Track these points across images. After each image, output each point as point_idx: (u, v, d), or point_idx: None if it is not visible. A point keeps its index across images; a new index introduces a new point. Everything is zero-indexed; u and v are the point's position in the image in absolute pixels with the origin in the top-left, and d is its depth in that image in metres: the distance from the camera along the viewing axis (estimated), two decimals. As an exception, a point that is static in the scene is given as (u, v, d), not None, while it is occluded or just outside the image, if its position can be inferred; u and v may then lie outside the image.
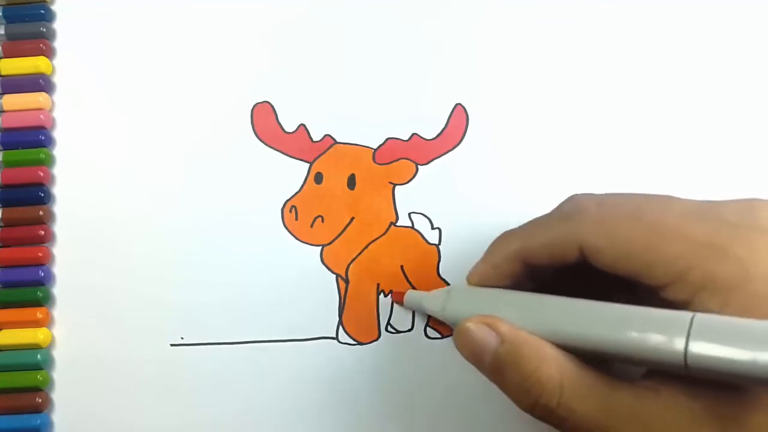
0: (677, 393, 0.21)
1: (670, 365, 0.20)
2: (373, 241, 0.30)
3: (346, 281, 0.30)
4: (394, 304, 0.30)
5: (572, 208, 0.24)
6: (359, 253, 0.30)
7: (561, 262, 0.23)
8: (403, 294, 0.29)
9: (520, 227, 0.25)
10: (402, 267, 0.30)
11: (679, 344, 0.20)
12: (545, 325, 0.23)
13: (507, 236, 0.25)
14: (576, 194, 0.25)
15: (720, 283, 0.20)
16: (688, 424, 0.20)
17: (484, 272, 0.25)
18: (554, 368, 0.22)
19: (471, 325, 0.24)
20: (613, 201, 0.23)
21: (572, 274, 0.24)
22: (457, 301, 0.26)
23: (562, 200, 0.25)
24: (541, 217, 0.25)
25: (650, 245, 0.21)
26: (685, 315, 0.20)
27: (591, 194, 0.24)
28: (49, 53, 0.32)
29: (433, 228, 0.30)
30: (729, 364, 0.19)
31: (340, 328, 0.30)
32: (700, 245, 0.21)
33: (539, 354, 0.22)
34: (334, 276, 0.30)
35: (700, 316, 0.20)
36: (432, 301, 0.27)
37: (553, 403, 0.22)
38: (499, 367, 0.23)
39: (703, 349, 0.19)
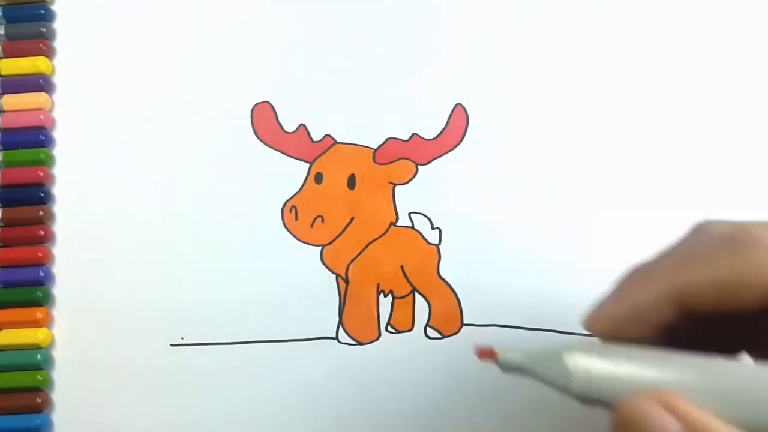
0: None
1: None
2: (373, 241, 0.30)
3: (346, 281, 0.30)
4: (394, 304, 0.30)
5: (741, 234, 0.18)
6: (359, 253, 0.30)
7: (735, 304, 0.18)
8: (493, 353, 0.20)
9: (661, 259, 0.19)
10: (402, 267, 0.30)
11: None
12: (742, 406, 0.17)
13: (648, 270, 0.19)
14: (708, 222, 0.19)
15: None
16: None
17: (620, 316, 0.19)
18: None
19: (643, 407, 0.17)
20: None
21: (748, 329, 0.19)
22: (597, 368, 0.18)
23: (688, 231, 0.20)
24: (684, 245, 0.19)
25: None
26: None
27: (718, 222, 0.19)
28: (49, 53, 0.32)
29: (433, 228, 0.30)
30: None
31: (340, 328, 0.30)
32: None
33: None
34: (334, 276, 0.30)
35: None
36: (547, 368, 0.19)
37: None
38: None
39: None
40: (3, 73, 0.32)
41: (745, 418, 0.17)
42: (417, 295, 0.30)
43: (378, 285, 0.30)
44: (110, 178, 0.31)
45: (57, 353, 0.30)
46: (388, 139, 0.31)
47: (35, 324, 0.30)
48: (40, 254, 0.30)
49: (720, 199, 0.29)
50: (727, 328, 0.18)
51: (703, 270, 0.18)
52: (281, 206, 0.30)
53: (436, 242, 0.30)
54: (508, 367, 0.20)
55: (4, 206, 0.31)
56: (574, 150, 0.30)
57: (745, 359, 0.18)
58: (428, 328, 0.29)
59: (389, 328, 0.30)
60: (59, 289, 0.31)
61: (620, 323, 0.19)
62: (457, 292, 0.29)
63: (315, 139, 0.31)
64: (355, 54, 0.31)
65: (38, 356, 0.30)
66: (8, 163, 0.31)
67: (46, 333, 0.30)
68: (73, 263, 0.31)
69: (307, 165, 0.31)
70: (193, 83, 0.31)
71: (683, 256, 0.19)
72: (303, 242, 0.30)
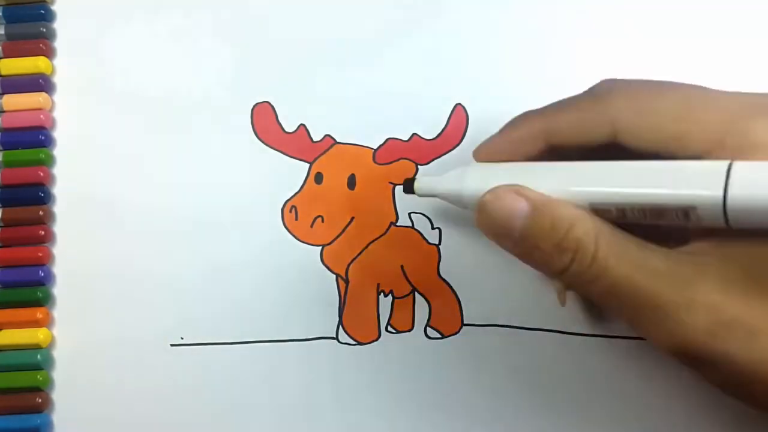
0: (712, 256, 0.21)
1: (708, 214, 0.19)
2: (373, 241, 0.30)
3: (346, 281, 0.30)
4: (394, 304, 0.30)
5: (602, 88, 0.23)
6: (359, 253, 0.30)
7: (589, 142, 0.23)
8: (411, 182, 0.27)
9: (543, 107, 0.25)
10: (402, 267, 0.30)
11: (717, 187, 0.19)
12: (574, 189, 0.22)
13: (528, 115, 0.24)
14: (605, 80, 0.24)
15: (757, 141, 0.20)
16: (723, 283, 0.20)
17: (497, 146, 0.25)
18: (590, 224, 0.22)
19: (499, 192, 0.23)
20: (645, 80, 0.23)
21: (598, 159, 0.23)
22: (476, 177, 0.24)
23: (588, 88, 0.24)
24: (566, 98, 0.24)
25: (684, 115, 0.21)
26: (722, 162, 0.19)
27: (622, 79, 0.24)
28: (49, 53, 0.32)
29: (433, 228, 0.30)
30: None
31: (340, 328, 0.30)
32: (733, 109, 0.21)
33: (573, 214, 0.22)
34: (334, 276, 0.30)
35: (738, 162, 0.19)
36: (447, 182, 0.25)
37: (588, 259, 0.21)
38: (531, 234, 0.22)
39: (743, 196, 0.19)
40: (3, 73, 0.32)
41: (577, 198, 0.22)
42: (417, 295, 0.30)
43: (378, 285, 0.30)
44: (110, 178, 0.31)
45: (57, 353, 0.30)
46: (388, 139, 0.31)
47: (35, 324, 0.30)
48: (40, 254, 0.30)
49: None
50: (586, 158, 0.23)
51: (568, 114, 0.23)
52: (281, 206, 0.30)
53: (436, 242, 0.30)
54: (421, 192, 0.27)
55: (4, 206, 0.31)
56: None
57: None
58: (428, 328, 0.29)
59: (389, 328, 0.30)
60: (59, 289, 0.31)
61: (497, 153, 0.25)
62: (457, 292, 0.30)
63: (315, 139, 0.31)
64: (355, 54, 0.31)
65: (38, 356, 0.30)
66: (8, 163, 0.31)
67: (46, 333, 0.30)
68: (73, 263, 0.31)
69: (307, 165, 0.31)
70: (194, 83, 0.31)
71: (561, 103, 0.24)
72: (303, 242, 0.30)
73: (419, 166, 0.30)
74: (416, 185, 0.27)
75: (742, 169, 0.19)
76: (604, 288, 0.21)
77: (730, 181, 0.19)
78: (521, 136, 0.24)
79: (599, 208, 0.22)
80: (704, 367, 0.21)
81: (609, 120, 0.22)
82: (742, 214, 0.19)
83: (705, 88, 0.22)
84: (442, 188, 0.26)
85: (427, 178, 0.27)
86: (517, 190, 0.23)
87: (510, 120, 0.25)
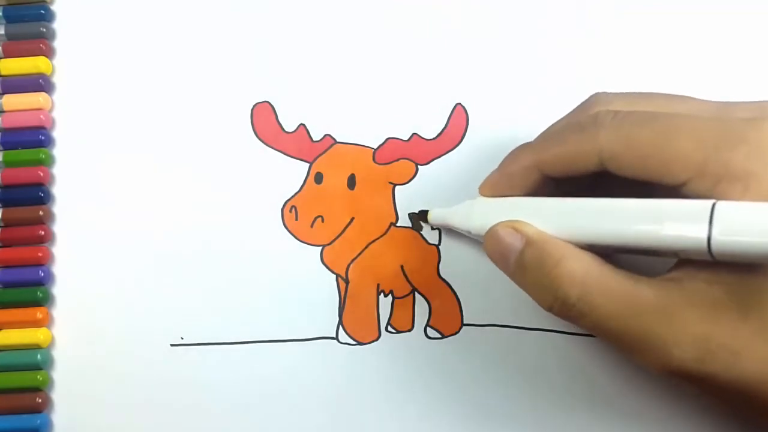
0: (699, 282, 0.21)
1: (694, 252, 0.21)
2: (373, 241, 0.30)
3: (346, 281, 0.30)
4: (394, 304, 0.30)
5: (588, 120, 0.24)
6: (359, 253, 0.30)
7: (578, 171, 0.24)
8: (425, 213, 0.29)
9: (536, 139, 0.26)
10: (402, 267, 0.30)
11: (702, 231, 0.20)
12: (568, 226, 0.23)
13: (522, 148, 0.26)
14: (596, 96, 0.25)
15: (738, 171, 0.21)
16: (709, 310, 0.21)
17: (498, 182, 0.26)
18: (576, 263, 0.23)
19: (499, 229, 0.25)
20: (631, 106, 0.24)
21: (590, 185, 0.24)
22: (482, 211, 0.26)
23: (582, 101, 0.26)
24: (556, 126, 0.26)
25: (665, 144, 0.22)
26: (706, 202, 0.20)
27: (611, 95, 0.25)
28: (49, 53, 0.32)
29: (433, 228, 0.30)
30: (754, 246, 0.19)
31: (340, 328, 0.30)
32: (713, 138, 0.21)
33: (562, 251, 0.23)
34: (334, 276, 0.30)
35: (721, 203, 0.20)
36: (457, 215, 0.28)
37: (573, 298, 0.22)
38: (522, 266, 0.24)
39: (727, 236, 0.20)
40: (3, 73, 0.32)
41: (570, 235, 0.23)
42: (417, 295, 0.30)
43: (378, 285, 0.30)
44: (110, 178, 0.31)
45: (57, 353, 0.30)
46: (388, 139, 0.31)
47: (35, 324, 0.30)
48: (40, 254, 0.30)
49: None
50: (579, 184, 0.25)
51: (557, 148, 0.24)
52: (281, 206, 0.30)
53: (436, 242, 0.30)
54: (434, 222, 0.29)
55: (4, 206, 0.31)
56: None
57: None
58: (428, 328, 0.29)
59: (389, 328, 0.30)
60: (59, 289, 0.31)
61: (498, 187, 0.26)
62: (457, 292, 0.30)
63: (315, 139, 0.31)
64: (355, 54, 0.31)
65: (38, 356, 0.30)
66: (8, 163, 0.31)
67: (46, 333, 0.30)
68: (73, 263, 0.31)
69: (307, 165, 0.31)
70: (193, 83, 0.31)
71: (550, 134, 0.26)
72: (303, 242, 0.30)
73: (419, 166, 0.30)
74: (429, 217, 0.29)
75: (724, 211, 0.20)
76: (592, 324, 0.23)
77: (713, 227, 0.20)
78: (516, 170, 0.26)
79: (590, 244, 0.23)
80: (692, 385, 0.22)
81: (596, 151, 0.23)
82: (726, 255, 0.20)
83: (684, 115, 0.23)
84: (453, 221, 0.28)
85: (439, 210, 0.29)
86: (515, 225, 0.24)
87: (507, 155, 0.26)
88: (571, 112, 0.26)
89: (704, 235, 0.20)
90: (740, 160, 0.21)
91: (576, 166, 0.24)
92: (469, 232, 0.27)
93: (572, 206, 0.24)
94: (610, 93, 0.25)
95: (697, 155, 0.21)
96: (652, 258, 0.23)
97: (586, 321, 0.23)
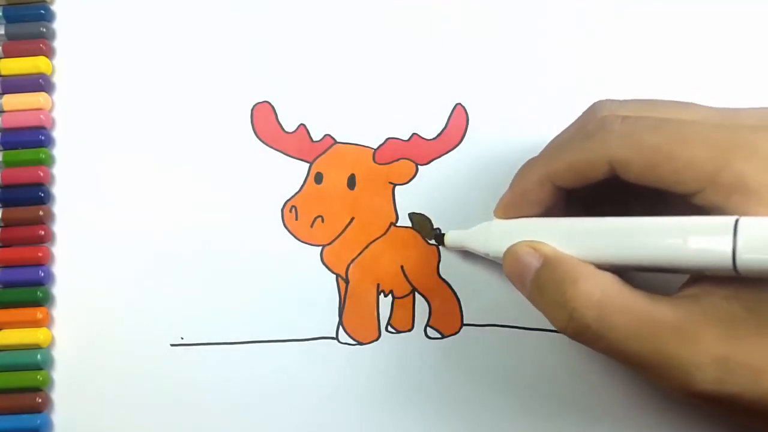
0: (717, 297, 0.21)
1: (717, 269, 0.20)
2: (373, 241, 0.30)
3: (346, 281, 0.30)
4: (394, 304, 0.30)
5: (596, 126, 0.24)
6: (359, 253, 0.30)
7: (591, 179, 0.23)
8: (442, 236, 0.29)
9: (542, 152, 0.26)
10: (402, 267, 0.30)
11: (726, 247, 0.20)
12: (587, 246, 0.23)
13: (531, 163, 0.26)
14: (598, 104, 0.25)
15: (753, 182, 0.20)
16: (728, 327, 0.21)
17: (511, 201, 0.26)
18: (592, 283, 0.22)
19: (517, 248, 0.24)
20: (636, 113, 0.24)
21: (603, 192, 0.24)
22: (499, 233, 0.26)
23: (583, 111, 0.25)
24: (561, 136, 0.26)
25: (676, 152, 0.21)
26: (728, 219, 0.20)
27: (615, 102, 0.25)
28: (49, 53, 0.32)
29: (433, 228, 0.30)
30: None
31: (340, 328, 0.30)
32: (726, 147, 0.21)
33: (578, 271, 0.23)
34: (334, 276, 0.30)
35: (744, 220, 0.20)
36: (473, 238, 0.28)
37: (589, 319, 0.22)
38: (538, 286, 0.24)
39: (752, 252, 0.19)
40: (3, 73, 0.32)
41: (588, 255, 0.23)
42: (417, 295, 0.30)
43: (378, 285, 0.30)
44: (110, 178, 0.31)
45: (57, 353, 0.30)
46: (388, 139, 0.31)
47: (35, 324, 0.30)
48: (40, 254, 0.30)
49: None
50: (590, 197, 0.24)
51: (566, 157, 0.24)
52: (281, 206, 0.30)
53: (436, 242, 0.30)
54: (451, 245, 0.29)
55: (4, 206, 0.31)
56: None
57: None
58: (428, 328, 0.29)
59: (389, 328, 0.30)
60: (59, 289, 0.31)
61: (513, 206, 0.26)
62: (457, 292, 0.30)
63: (315, 139, 0.31)
64: (355, 54, 0.31)
65: (38, 356, 0.30)
66: (8, 163, 0.31)
67: (46, 333, 0.30)
68: (73, 263, 0.31)
69: (307, 165, 0.31)
70: (193, 83, 0.31)
71: (554, 147, 0.25)
72: (303, 242, 0.30)
73: (419, 166, 0.30)
74: (446, 240, 0.29)
75: (748, 227, 0.20)
76: (609, 346, 0.22)
77: (738, 243, 0.20)
78: (529, 186, 0.25)
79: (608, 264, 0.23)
80: (713, 406, 0.22)
81: (605, 159, 0.23)
82: (751, 271, 0.20)
83: (694, 122, 0.22)
84: (470, 244, 0.28)
85: (456, 233, 0.29)
86: (533, 245, 0.24)
87: (517, 172, 0.26)
88: (574, 122, 0.26)
89: (729, 252, 0.20)
90: (755, 171, 0.20)
91: (587, 175, 0.23)
92: (488, 255, 0.27)
93: (591, 226, 0.23)
94: (613, 100, 0.25)
95: (710, 164, 0.21)
96: (663, 274, 0.23)
97: (603, 343, 0.22)
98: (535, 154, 0.30)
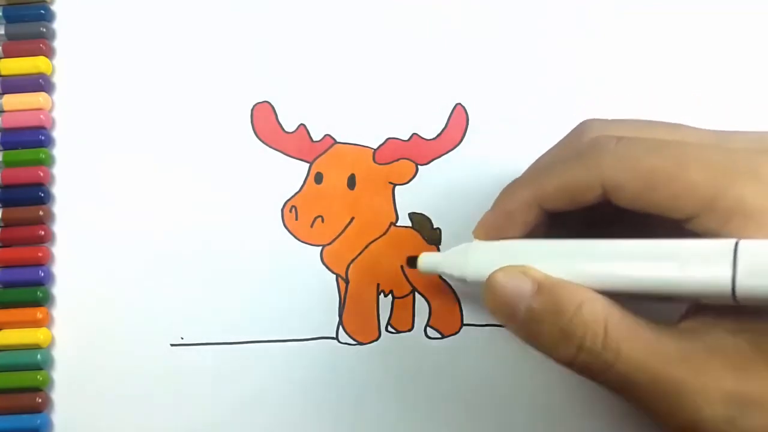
0: (720, 331, 0.20)
1: (715, 296, 0.19)
2: (373, 241, 0.30)
3: (346, 281, 0.30)
4: (394, 304, 0.30)
5: (588, 146, 0.22)
6: (359, 253, 0.30)
7: (581, 203, 0.22)
8: (415, 259, 0.27)
9: (529, 172, 0.24)
10: (402, 267, 0.30)
11: (725, 274, 0.19)
12: (579, 270, 0.21)
13: (517, 183, 0.24)
14: (588, 122, 0.24)
15: (752, 207, 0.19)
16: (735, 363, 0.19)
17: (494, 222, 0.24)
18: (598, 309, 0.21)
19: (501, 275, 0.22)
20: (631, 134, 0.22)
21: (591, 218, 0.23)
22: (479, 258, 0.24)
23: (571, 130, 0.24)
24: (550, 156, 0.24)
25: (674, 175, 0.20)
26: (728, 242, 0.19)
27: (604, 122, 0.23)
28: (49, 53, 0.32)
29: (433, 228, 0.30)
30: None
31: (340, 328, 0.30)
32: (725, 170, 0.20)
33: (579, 296, 0.21)
34: (334, 276, 0.30)
35: (744, 243, 0.19)
36: (450, 263, 0.25)
37: (598, 345, 0.20)
38: (535, 317, 0.22)
39: (753, 277, 0.19)
40: (3, 73, 0.32)
41: (582, 279, 0.21)
42: (417, 295, 0.30)
43: (378, 285, 0.30)
44: (110, 178, 0.31)
45: (57, 353, 0.30)
46: (388, 139, 0.31)
47: (35, 324, 0.30)
48: (40, 254, 0.30)
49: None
50: (583, 216, 0.23)
51: (555, 178, 0.23)
52: (281, 206, 0.30)
53: (436, 242, 0.30)
54: (425, 269, 0.27)
55: (4, 206, 0.31)
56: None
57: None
58: (428, 328, 0.29)
59: (389, 328, 0.30)
60: (59, 289, 0.31)
61: (496, 228, 0.24)
62: (457, 292, 0.29)
63: (315, 139, 0.31)
64: (355, 54, 0.31)
65: (38, 356, 0.30)
66: (8, 163, 0.31)
67: (46, 333, 0.30)
68: (73, 263, 0.31)
69: (307, 165, 0.31)
70: (193, 83, 0.31)
71: (542, 167, 0.24)
72: (303, 242, 0.30)
73: (419, 166, 0.30)
74: (419, 263, 0.27)
75: (749, 251, 0.19)
76: (618, 376, 0.21)
77: (738, 268, 0.19)
78: (515, 207, 0.24)
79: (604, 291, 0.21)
80: None
81: (599, 182, 0.21)
82: (751, 298, 0.19)
83: (692, 144, 0.21)
84: (446, 268, 0.26)
85: (429, 257, 0.27)
86: (524, 270, 0.22)
87: (501, 192, 0.25)
88: (562, 141, 0.24)
89: (728, 277, 0.19)
90: (754, 195, 0.20)
91: (578, 198, 0.22)
92: (465, 280, 0.25)
93: (580, 248, 0.22)
94: (602, 119, 0.24)
95: (709, 188, 0.20)
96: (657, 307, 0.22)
97: (611, 373, 0.21)
98: (535, 154, 0.30)
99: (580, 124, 0.24)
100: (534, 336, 0.22)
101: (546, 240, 0.23)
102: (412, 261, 0.27)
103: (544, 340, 0.22)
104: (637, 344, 0.20)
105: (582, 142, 0.23)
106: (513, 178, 0.30)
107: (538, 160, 0.25)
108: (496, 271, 0.23)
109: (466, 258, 0.25)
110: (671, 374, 0.20)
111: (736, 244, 0.19)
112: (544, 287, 0.22)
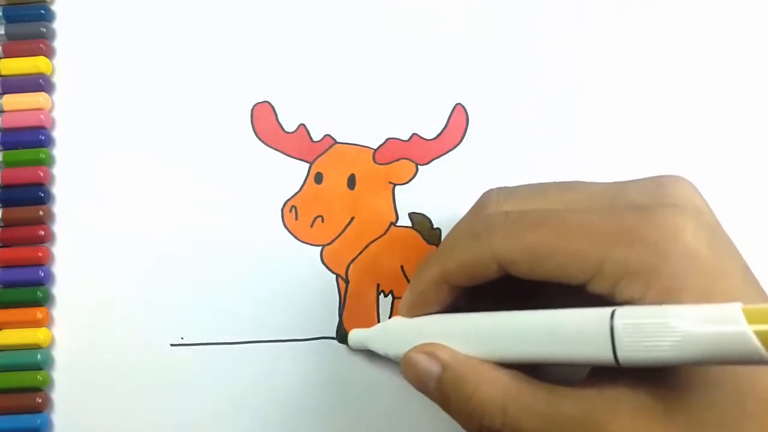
0: (621, 385, 0.21)
1: (603, 364, 0.20)
2: (373, 241, 0.30)
3: (346, 281, 0.30)
4: (394, 304, 0.30)
5: (481, 226, 0.23)
6: (359, 253, 0.30)
7: (484, 278, 0.23)
8: (346, 336, 0.29)
9: (438, 250, 0.25)
10: (402, 267, 0.30)
11: (605, 345, 0.20)
12: (480, 345, 0.23)
13: (428, 262, 0.25)
14: (487, 194, 0.25)
15: (636, 269, 0.20)
16: (633, 414, 0.20)
17: (413, 302, 0.25)
18: (495, 388, 0.22)
19: (413, 355, 0.24)
20: (521, 205, 0.24)
21: (507, 285, 0.23)
22: (397, 333, 0.26)
23: (477, 199, 0.25)
24: (453, 234, 0.25)
25: (557, 248, 0.21)
26: (604, 312, 0.20)
27: (501, 191, 0.25)
28: (49, 53, 0.32)
29: (433, 228, 0.30)
30: (656, 355, 0.19)
31: (340, 328, 0.30)
32: (608, 235, 0.21)
33: (479, 375, 0.22)
34: (334, 276, 0.30)
35: (619, 311, 0.20)
36: (374, 339, 0.27)
37: (497, 424, 0.22)
38: (443, 394, 0.23)
39: (630, 345, 0.19)
40: (3, 73, 0.32)
41: (483, 353, 0.23)
42: (417, 295, 0.30)
43: (378, 285, 0.30)
44: (110, 178, 0.31)
45: (57, 353, 0.30)
46: (388, 139, 0.31)
47: (35, 324, 0.30)
48: (40, 254, 0.30)
49: (722, 204, 0.29)
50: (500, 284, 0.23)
51: (456, 258, 0.24)
52: (281, 206, 0.30)
53: (436, 242, 0.30)
54: (355, 345, 0.29)
55: (4, 206, 0.31)
56: (575, 150, 0.30)
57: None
58: (428, 328, 0.29)
59: (389, 328, 0.30)
60: (59, 289, 0.31)
61: (414, 307, 0.25)
62: (457, 292, 0.29)
63: (315, 139, 0.31)
64: (356, 54, 0.31)
65: (38, 356, 0.30)
66: (8, 163, 0.31)
67: (46, 333, 0.30)
68: (73, 263, 0.31)
69: (307, 165, 0.31)
70: (193, 83, 0.31)
71: (447, 246, 0.25)
72: (303, 242, 0.30)
73: (419, 166, 0.30)
74: (349, 340, 0.29)
75: (623, 316, 0.20)
76: None
77: (616, 341, 0.19)
78: (426, 287, 0.25)
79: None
80: None
81: (493, 259, 0.23)
82: (633, 362, 0.20)
83: (576, 211, 0.22)
84: (372, 345, 0.28)
85: (357, 333, 0.28)
86: (430, 350, 0.24)
87: (415, 270, 0.27)
88: (466, 215, 0.25)
89: (609, 350, 0.20)
90: (637, 256, 0.20)
91: (479, 275, 0.23)
92: (388, 356, 0.27)
93: (480, 323, 0.23)
94: (501, 189, 0.25)
95: (594, 255, 0.21)
96: None
97: None
98: (535, 154, 0.30)
99: (482, 195, 0.25)
100: (445, 410, 0.24)
101: (455, 315, 0.24)
102: (343, 338, 0.29)
103: (454, 415, 0.23)
104: (534, 417, 0.21)
105: (477, 223, 0.24)
106: (513, 179, 0.30)
107: (446, 236, 0.25)
108: (409, 351, 0.24)
109: (386, 335, 0.27)
110: None
111: (612, 312, 0.20)
112: (448, 367, 0.23)
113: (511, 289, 0.23)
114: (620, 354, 0.19)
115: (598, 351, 0.20)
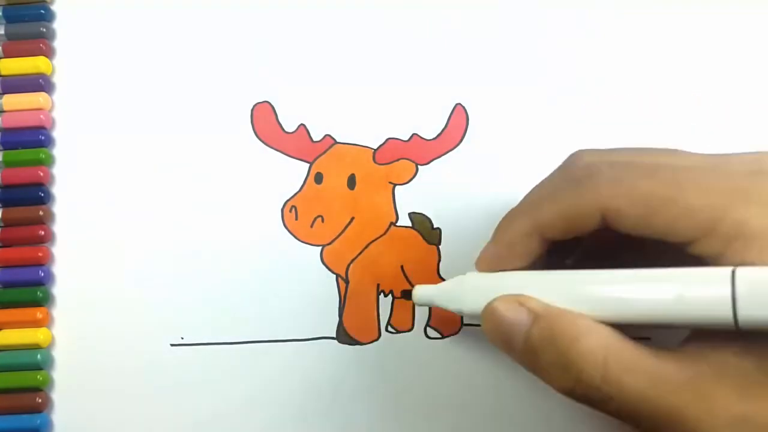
0: (726, 354, 0.20)
1: (719, 326, 0.19)
2: (373, 241, 0.30)
3: (346, 281, 0.30)
4: (394, 304, 0.30)
5: (584, 172, 0.22)
6: (359, 253, 0.30)
7: (580, 231, 0.22)
8: (410, 292, 0.27)
9: (526, 201, 0.24)
10: (402, 267, 0.30)
11: (725, 304, 0.19)
12: (579, 300, 0.21)
13: (516, 213, 0.24)
14: (580, 152, 0.23)
15: (753, 231, 0.19)
16: (742, 385, 0.19)
17: (496, 254, 0.24)
18: (596, 340, 0.20)
19: (499, 305, 0.22)
20: (625, 159, 0.22)
21: (591, 244, 0.23)
22: (475, 288, 0.24)
23: (564, 160, 0.24)
24: (545, 185, 0.24)
25: (673, 200, 0.20)
26: (724, 271, 0.19)
27: (596, 151, 0.23)
28: (49, 53, 0.32)
29: (433, 228, 0.30)
30: None
31: (341, 328, 0.30)
32: (724, 194, 0.20)
33: (578, 327, 0.21)
34: (334, 276, 0.30)
35: (741, 270, 0.19)
36: (445, 296, 0.25)
37: (596, 379, 0.20)
38: (533, 347, 0.21)
39: (753, 305, 0.18)
40: (3, 73, 0.32)
41: (582, 309, 0.21)
42: (417, 295, 0.30)
43: (378, 285, 0.30)
44: (110, 178, 0.31)
45: (57, 353, 0.30)
46: (388, 139, 0.31)
47: (35, 324, 0.30)
48: (40, 254, 0.30)
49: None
50: (582, 246, 0.23)
51: (554, 207, 0.22)
52: (281, 206, 0.30)
53: (436, 242, 0.30)
54: (420, 302, 0.26)
55: (4, 206, 0.31)
56: (574, 150, 0.30)
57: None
58: (428, 328, 0.29)
59: (389, 328, 0.30)
60: (59, 289, 0.31)
61: (498, 260, 0.24)
62: (457, 292, 0.29)
63: (315, 139, 0.31)
64: (355, 54, 0.31)
65: (38, 356, 0.30)
66: (8, 163, 0.31)
67: (46, 333, 0.30)
68: (73, 263, 0.31)
69: (307, 165, 0.31)
70: (193, 83, 0.31)
71: (539, 196, 0.23)
72: (303, 242, 0.30)
73: (419, 166, 0.30)
74: (414, 296, 0.26)
75: (747, 279, 0.19)
76: (620, 408, 0.20)
77: (737, 296, 0.19)
78: (515, 238, 0.23)
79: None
80: None
81: (597, 209, 0.21)
82: (753, 325, 0.19)
83: (689, 167, 0.21)
84: (441, 301, 0.25)
85: (424, 289, 0.26)
86: (520, 299, 0.22)
87: (499, 223, 0.24)
88: (557, 170, 0.24)
89: (728, 306, 0.19)
90: (755, 217, 0.19)
91: (577, 226, 0.22)
92: (461, 313, 0.25)
93: (579, 278, 0.22)
94: (595, 149, 0.23)
95: (707, 213, 0.20)
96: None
97: (612, 405, 0.20)
98: (535, 154, 0.30)
99: (573, 153, 0.23)
100: (532, 366, 0.22)
101: (542, 271, 0.23)
102: (406, 294, 0.27)
103: (543, 370, 0.22)
104: (637, 376, 0.20)
105: (577, 170, 0.22)
106: (512, 178, 0.30)
107: (533, 189, 0.24)
108: (493, 300, 0.23)
109: (462, 290, 0.24)
110: (674, 403, 0.19)
111: (733, 272, 0.19)
112: (541, 317, 0.21)
113: (595, 250, 0.22)
114: (741, 315, 0.19)
115: (717, 311, 0.19)
